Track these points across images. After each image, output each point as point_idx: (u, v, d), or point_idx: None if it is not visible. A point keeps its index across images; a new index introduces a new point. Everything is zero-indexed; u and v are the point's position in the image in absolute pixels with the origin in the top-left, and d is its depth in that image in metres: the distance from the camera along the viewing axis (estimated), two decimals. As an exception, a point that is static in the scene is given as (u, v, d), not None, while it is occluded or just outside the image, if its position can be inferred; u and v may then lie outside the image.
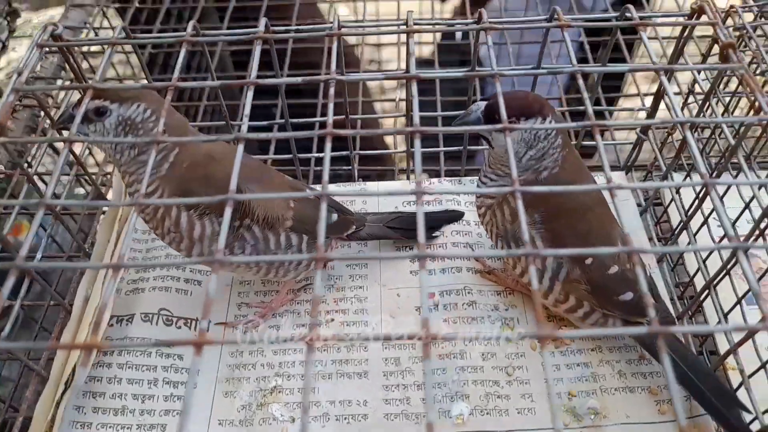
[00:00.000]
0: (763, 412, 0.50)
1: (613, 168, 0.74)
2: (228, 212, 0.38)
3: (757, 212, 0.51)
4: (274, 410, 0.57)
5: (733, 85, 0.66)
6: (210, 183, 0.52)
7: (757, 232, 0.49)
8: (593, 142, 0.80)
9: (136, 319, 0.62)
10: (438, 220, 0.69)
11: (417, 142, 0.43)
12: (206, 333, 0.32)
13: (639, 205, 0.71)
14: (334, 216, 0.62)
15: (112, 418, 0.56)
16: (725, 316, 0.56)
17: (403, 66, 0.92)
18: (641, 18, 0.52)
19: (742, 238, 0.51)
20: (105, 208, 0.71)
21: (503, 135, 0.55)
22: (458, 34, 1.06)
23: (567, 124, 0.44)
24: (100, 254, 0.65)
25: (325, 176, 0.41)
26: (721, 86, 0.63)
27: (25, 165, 0.70)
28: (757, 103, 0.44)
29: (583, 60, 0.91)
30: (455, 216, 0.69)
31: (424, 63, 1.11)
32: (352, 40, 1.11)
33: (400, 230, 0.66)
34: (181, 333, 0.62)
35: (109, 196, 0.75)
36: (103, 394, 0.57)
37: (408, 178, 0.76)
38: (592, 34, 0.99)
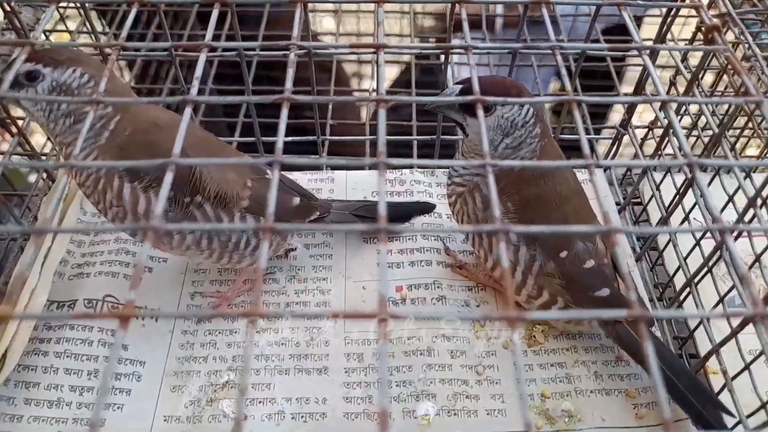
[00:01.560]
0: (748, 416, 0.47)
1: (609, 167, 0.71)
2: (169, 177, 0.34)
3: (742, 204, 0.48)
4: (225, 406, 0.53)
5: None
6: (154, 152, 0.47)
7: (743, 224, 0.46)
8: (575, 136, 0.78)
9: (79, 305, 0.57)
10: (408, 211, 0.65)
11: (381, 112, 0.40)
12: (134, 304, 0.29)
13: (618, 204, 0.68)
14: (296, 200, 0.58)
15: (46, 410, 0.51)
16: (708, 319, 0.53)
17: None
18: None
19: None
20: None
21: (473, 119, 0.53)
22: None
23: (543, 98, 0.41)
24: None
25: (279, 143, 0.37)
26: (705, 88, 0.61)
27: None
28: (743, 87, 0.42)
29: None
30: (426, 208, 0.65)
31: (402, 83, 1.09)
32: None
33: (366, 219, 0.62)
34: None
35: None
36: (37, 385, 0.52)
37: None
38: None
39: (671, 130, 0.51)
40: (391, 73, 1.25)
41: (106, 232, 0.60)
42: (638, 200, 0.68)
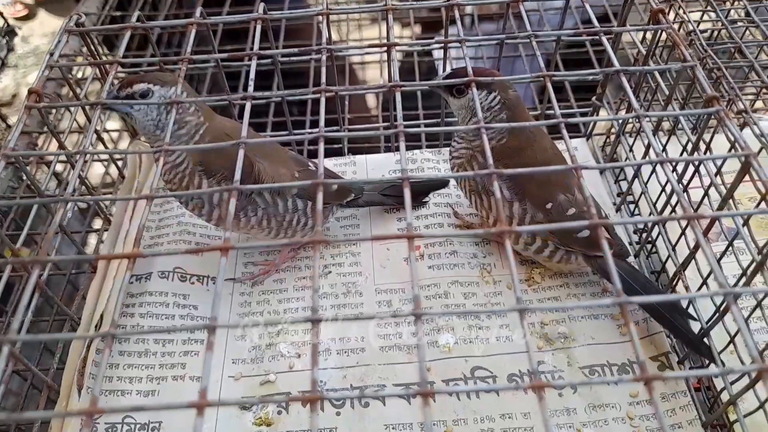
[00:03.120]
0: (707, 321, 0.57)
1: (575, 136, 0.83)
2: (241, 154, 0.46)
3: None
4: (282, 348, 0.64)
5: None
6: (225, 154, 0.59)
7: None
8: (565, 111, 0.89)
9: (154, 276, 0.69)
10: (426, 188, 0.77)
11: (397, 95, 0.52)
12: (230, 240, 0.40)
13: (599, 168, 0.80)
14: (335, 186, 0.70)
15: (137, 359, 0.63)
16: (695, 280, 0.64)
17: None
18: (587, -9, 0.60)
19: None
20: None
21: (455, 99, 0.64)
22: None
23: (518, 77, 0.52)
24: (118, 223, 0.72)
25: (321, 121, 0.49)
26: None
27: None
28: (681, 55, 0.53)
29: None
30: (440, 184, 0.77)
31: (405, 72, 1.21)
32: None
33: (393, 197, 0.74)
34: (194, 288, 0.69)
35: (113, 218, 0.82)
36: (127, 340, 0.64)
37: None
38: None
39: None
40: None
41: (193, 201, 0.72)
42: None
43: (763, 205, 0.44)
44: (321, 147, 0.48)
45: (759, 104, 0.82)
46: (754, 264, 0.47)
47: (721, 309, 0.52)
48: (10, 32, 1.21)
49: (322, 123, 0.49)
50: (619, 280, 0.39)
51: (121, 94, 0.58)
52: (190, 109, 0.60)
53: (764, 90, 0.76)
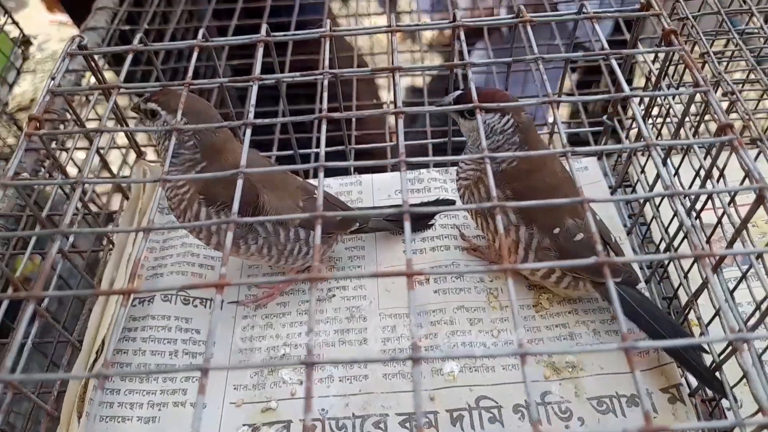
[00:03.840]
0: (720, 354, 0.56)
1: (587, 154, 0.81)
2: (240, 183, 0.45)
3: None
4: (284, 374, 0.63)
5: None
6: (228, 182, 0.58)
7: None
8: (580, 130, 0.87)
9: (157, 299, 0.68)
10: (437, 210, 0.75)
11: (400, 122, 0.51)
12: (226, 277, 0.39)
13: (610, 186, 0.78)
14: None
15: (138, 384, 0.63)
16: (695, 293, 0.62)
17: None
18: (595, 12, 0.59)
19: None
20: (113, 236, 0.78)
21: (466, 120, 0.63)
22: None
23: (523, 102, 0.51)
24: (122, 244, 0.72)
25: (321, 152, 0.48)
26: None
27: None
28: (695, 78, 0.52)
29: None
30: (447, 204, 0.76)
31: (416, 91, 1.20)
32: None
33: (398, 222, 0.72)
34: (197, 310, 0.68)
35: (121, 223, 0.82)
36: (129, 364, 0.64)
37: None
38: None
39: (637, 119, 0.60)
40: (405, 81, 1.37)
41: (192, 230, 0.71)
42: (629, 183, 0.78)
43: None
44: (321, 178, 0.47)
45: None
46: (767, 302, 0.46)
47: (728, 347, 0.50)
48: (26, 42, 1.22)
49: (322, 153, 0.48)
50: (624, 323, 0.38)
51: (140, 106, 0.58)
52: (188, 143, 0.59)
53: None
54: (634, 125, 0.76)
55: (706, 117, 0.60)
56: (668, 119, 0.67)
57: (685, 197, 0.61)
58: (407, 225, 0.42)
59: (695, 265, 0.60)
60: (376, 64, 1.27)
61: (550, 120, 1.26)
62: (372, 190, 0.80)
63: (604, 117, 0.76)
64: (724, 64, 0.66)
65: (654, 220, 0.68)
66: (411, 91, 1.60)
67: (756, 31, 0.65)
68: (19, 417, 0.77)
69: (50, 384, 0.64)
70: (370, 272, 0.39)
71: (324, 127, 0.50)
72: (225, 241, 0.41)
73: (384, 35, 1.13)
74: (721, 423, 0.54)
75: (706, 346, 0.57)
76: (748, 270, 0.51)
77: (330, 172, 0.82)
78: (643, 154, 0.75)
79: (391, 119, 1.07)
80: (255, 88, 0.53)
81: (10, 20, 1.10)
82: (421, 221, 0.74)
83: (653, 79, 0.65)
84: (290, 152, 0.79)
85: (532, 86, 1.08)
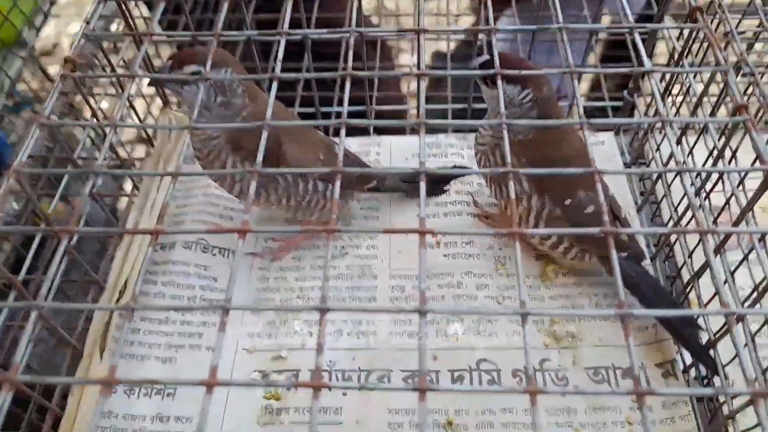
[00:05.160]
0: (715, 333, 0.57)
1: (605, 130, 0.81)
2: (264, 135, 0.47)
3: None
4: (296, 325, 0.66)
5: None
6: (254, 133, 0.60)
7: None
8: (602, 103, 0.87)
9: (177, 246, 0.71)
10: (446, 175, 0.77)
11: (422, 84, 0.52)
12: (249, 223, 0.42)
13: (625, 164, 0.79)
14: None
15: (157, 325, 0.66)
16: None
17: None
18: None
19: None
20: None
21: (488, 88, 0.64)
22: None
23: (544, 71, 0.52)
24: (145, 191, 0.74)
25: (344, 110, 0.50)
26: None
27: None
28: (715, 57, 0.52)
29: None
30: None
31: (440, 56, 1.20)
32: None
33: (413, 184, 0.74)
34: (215, 259, 0.71)
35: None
36: (149, 305, 0.67)
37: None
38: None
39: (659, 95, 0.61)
40: (430, 46, 1.36)
41: (216, 177, 0.74)
42: (644, 161, 0.79)
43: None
44: (342, 136, 0.49)
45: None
46: (766, 281, 0.47)
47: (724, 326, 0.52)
48: (53, -16, 1.23)
49: (345, 112, 0.50)
50: (623, 291, 0.40)
51: (173, 75, 0.59)
52: (238, 90, 0.61)
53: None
54: (653, 102, 0.77)
55: (727, 99, 0.60)
56: (687, 98, 0.67)
57: (697, 176, 0.62)
58: (422, 185, 0.43)
59: (699, 245, 0.61)
60: (401, 26, 1.27)
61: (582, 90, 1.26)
62: (390, 151, 0.81)
63: (625, 92, 0.77)
64: (751, 44, 0.66)
65: (665, 198, 0.69)
66: (436, 56, 1.59)
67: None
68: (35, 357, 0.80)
69: (74, 321, 0.68)
70: (381, 228, 0.41)
71: (348, 86, 0.51)
72: (248, 190, 0.43)
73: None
74: (705, 391, 0.57)
75: (702, 324, 0.59)
76: (750, 251, 0.52)
77: (350, 131, 0.84)
78: (660, 132, 0.76)
79: (414, 82, 1.08)
80: (282, 43, 0.54)
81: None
82: (436, 186, 0.76)
83: (676, 56, 0.66)
84: (312, 110, 0.80)
85: (558, 57, 1.07)
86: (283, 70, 0.70)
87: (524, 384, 0.62)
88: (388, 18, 1.27)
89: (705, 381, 0.61)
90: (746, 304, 0.55)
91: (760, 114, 0.57)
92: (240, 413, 0.60)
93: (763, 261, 0.49)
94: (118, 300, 0.65)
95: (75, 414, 0.58)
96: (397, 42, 1.33)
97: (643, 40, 0.91)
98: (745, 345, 0.53)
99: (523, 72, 0.55)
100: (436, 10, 1.21)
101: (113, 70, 0.70)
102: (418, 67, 0.56)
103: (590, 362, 0.63)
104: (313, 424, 0.35)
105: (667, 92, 0.68)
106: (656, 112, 0.70)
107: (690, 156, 0.65)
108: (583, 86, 1.47)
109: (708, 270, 0.59)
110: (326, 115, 0.84)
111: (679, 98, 0.71)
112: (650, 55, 0.85)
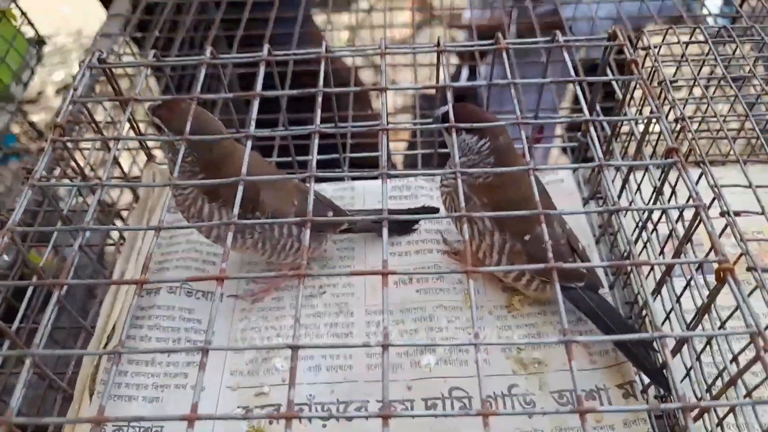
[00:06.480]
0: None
1: (564, 167, 0.87)
2: (240, 189, 0.52)
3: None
4: (276, 363, 0.70)
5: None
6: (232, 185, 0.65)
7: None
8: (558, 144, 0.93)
9: (162, 291, 0.74)
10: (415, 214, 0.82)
11: (384, 138, 0.57)
12: (226, 271, 0.46)
13: (584, 198, 0.84)
14: (330, 213, 0.75)
15: (144, 368, 0.69)
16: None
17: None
18: (566, 41, 0.65)
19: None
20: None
21: (449, 136, 0.69)
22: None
23: (498, 123, 0.57)
24: (132, 240, 0.78)
25: (313, 162, 0.55)
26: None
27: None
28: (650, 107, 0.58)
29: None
30: (430, 211, 0.82)
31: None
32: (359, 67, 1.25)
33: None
34: (199, 302, 0.74)
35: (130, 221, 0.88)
36: (135, 348, 0.70)
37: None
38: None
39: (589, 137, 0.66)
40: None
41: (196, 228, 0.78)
42: (601, 196, 0.84)
43: (712, 255, 0.49)
44: (311, 186, 0.54)
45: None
46: (702, 306, 0.52)
47: (674, 347, 0.56)
48: (40, 42, 1.28)
49: (313, 164, 0.55)
50: (566, 319, 0.45)
51: (155, 136, 0.64)
52: (187, 158, 0.65)
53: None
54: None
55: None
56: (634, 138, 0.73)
57: (644, 212, 0.67)
58: (385, 231, 0.48)
59: (651, 273, 0.66)
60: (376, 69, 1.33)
61: (558, 132, 1.32)
62: (363, 196, 0.86)
63: (578, 134, 0.83)
64: (685, 86, 0.72)
65: (620, 230, 0.74)
66: (423, 98, 1.65)
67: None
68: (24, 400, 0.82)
69: (64, 367, 0.71)
70: (348, 271, 0.46)
71: (316, 141, 0.56)
72: (225, 239, 0.48)
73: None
74: (639, 407, 0.61)
75: (656, 345, 0.63)
76: (689, 281, 0.57)
77: (325, 178, 0.89)
78: (616, 169, 0.81)
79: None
80: (256, 104, 0.60)
81: (26, 21, 1.16)
82: (405, 226, 0.80)
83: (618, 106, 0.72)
84: (289, 159, 0.85)
85: (546, 95, 1.13)
86: (262, 121, 0.75)
87: (494, 408, 0.66)
88: (367, 67, 1.33)
89: (662, 399, 0.65)
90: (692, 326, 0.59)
91: (689, 155, 0.63)
92: (225, 448, 0.63)
93: (700, 287, 0.54)
94: (106, 345, 0.68)
95: (66, 456, 0.61)
96: (376, 76, 1.39)
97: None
98: (691, 368, 0.58)
99: (475, 125, 0.61)
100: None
101: (100, 131, 0.74)
102: (386, 122, 0.60)
103: (556, 386, 0.67)
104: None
105: (614, 134, 0.74)
106: (606, 152, 0.76)
107: (638, 192, 0.70)
108: (558, 129, 1.55)
109: (659, 296, 0.64)
110: (302, 164, 0.89)
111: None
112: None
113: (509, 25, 1.27)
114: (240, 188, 0.52)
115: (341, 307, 0.74)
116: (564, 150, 1.06)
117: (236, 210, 0.50)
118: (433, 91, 1.31)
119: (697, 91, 0.70)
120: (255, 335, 0.73)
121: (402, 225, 0.80)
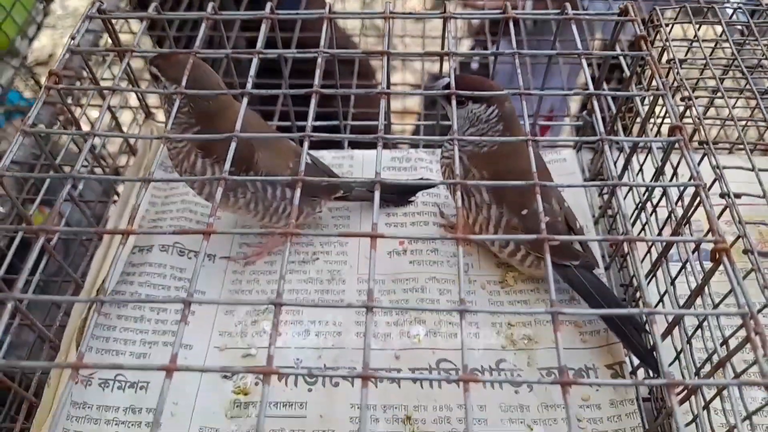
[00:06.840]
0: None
1: (567, 146, 0.86)
2: (233, 146, 0.51)
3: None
4: (265, 326, 0.69)
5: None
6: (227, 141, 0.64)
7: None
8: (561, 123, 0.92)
9: (155, 249, 0.74)
10: (414, 187, 0.81)
11: (383, 102, 0.56)
12: (213, 225, 0.45)
13: (585, 179, 0.83)
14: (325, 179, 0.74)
15: (133, 324, 0.69)
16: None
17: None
18: (576, 14, 0.64)
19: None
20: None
21: (448, 105, 0.68)
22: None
23: (504, 92, 0.56)
24: (126, 196, 0.78)
25: (309, 122, 0.54)
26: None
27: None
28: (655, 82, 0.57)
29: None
30: (429, 184, 0.81)
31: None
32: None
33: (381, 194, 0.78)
34: (190, 262, 0.74)
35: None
36: (125, 305, 0.70)
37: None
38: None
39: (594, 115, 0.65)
40: (433, 66, 1.42)
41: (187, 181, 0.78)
42: (603, 177, 0.83)
43: (710, 236, 0.48)
44: (305, 146, 0.53)
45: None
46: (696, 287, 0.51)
47: (666, 328, 0.55)
48: (47, -4, 1.27)
49: (309, 124, 0.54)
50: (554, 291, 0.44)
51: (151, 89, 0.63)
52: (183, 109, 0.64)
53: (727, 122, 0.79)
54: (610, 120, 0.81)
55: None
56: (638, 119, 0.71)
57: (645, 191, 0.66)
58: (377, 194, 0.48)
59: (648, 255, 0.65)
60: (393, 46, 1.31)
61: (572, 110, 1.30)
62: (362, 164, 0.85)
63: (584, 112, 0.81)
64: (696, 70, 0.71)
65: (619, 211, 0.73)
66: (432, 76, 1.63)
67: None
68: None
69: (53, 317, 0.71)
70: (336, 232, 0.45)
71: (314, 101, 0.56)
72: (215, 194, 0.47)
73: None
74: (623, 382, 0.61)
75: (647, 327, 0.62)
76: (686, 262, 0.56)
77: (325, 145, 0.88)
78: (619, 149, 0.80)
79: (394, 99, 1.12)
80: (255, 61, 0.59)
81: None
82: (403, 197, 0.79)
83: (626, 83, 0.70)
84: (289, 123, 0.84)
85: (557, 78, 1.11)
86: (264, 85, 0.74)
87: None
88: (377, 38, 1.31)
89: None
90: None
91: (694, 136, 0.61)
92: (209, 407, 0.63)
93: (695, 269, 0.53)
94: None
95: (51, 405, 0.61)
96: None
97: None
98: (681, 350, 0.57)
99: (476, 93, 0.59)
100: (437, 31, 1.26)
101: (96, 83, 0.74)
102: (388, 87, 0.59)
103: (544, 363, 0.66)
104: (262, 407, 0.38)
105: (619, 113, 0.73)
106: (610, 131, 0.75)
107: (640, 173, 0.69)
108: (573, 106, 1.53)
109: (654, 278, 0.63)
110: (302, 129, 0.87)
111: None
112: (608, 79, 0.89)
113: (524, 5, 1.25)
114: (233, 144, 0.51)
115: (333, 275, 0.74)
116: (572, 133, 1.04)
117: (227, 165, 0.49)
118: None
119: (708, 74, 0.68)
120: (245, 297, 0.72)
121: (399, 196, 0.79)
